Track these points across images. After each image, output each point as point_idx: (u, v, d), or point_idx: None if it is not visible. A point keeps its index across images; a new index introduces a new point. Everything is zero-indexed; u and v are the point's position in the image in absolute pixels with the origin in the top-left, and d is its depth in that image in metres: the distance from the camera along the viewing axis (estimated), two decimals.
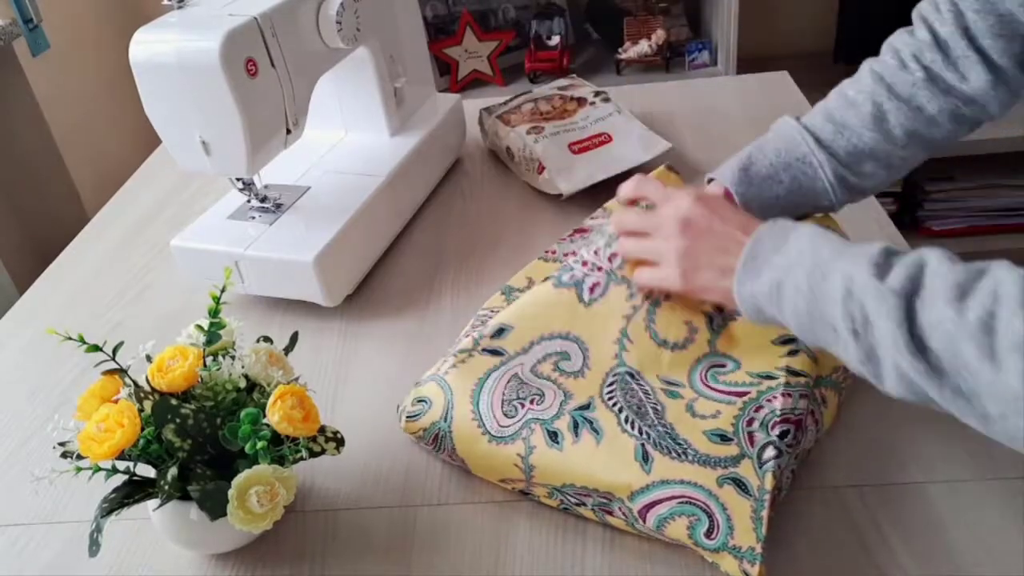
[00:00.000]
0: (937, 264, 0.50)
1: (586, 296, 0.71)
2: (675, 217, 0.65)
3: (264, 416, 0.59)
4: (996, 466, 0.64)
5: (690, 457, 0.61)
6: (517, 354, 0.70)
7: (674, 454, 0.62)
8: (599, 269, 0.71)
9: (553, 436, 0.64)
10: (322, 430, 0.62)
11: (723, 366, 0.68)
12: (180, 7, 0.82)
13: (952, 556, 0.58)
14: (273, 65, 0.81)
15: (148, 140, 1.06)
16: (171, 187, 1.22)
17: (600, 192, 1.02)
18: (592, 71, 1.90)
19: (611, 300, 0.70)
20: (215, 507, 0.57)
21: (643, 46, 1.84)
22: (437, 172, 1.11)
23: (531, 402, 0.66)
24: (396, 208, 1.00)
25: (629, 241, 0.69)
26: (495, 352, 0.70)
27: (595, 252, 0.72)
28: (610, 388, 0.67)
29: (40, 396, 0.85)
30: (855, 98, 0.73)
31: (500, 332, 0.71)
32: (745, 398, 0.65)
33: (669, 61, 1.85)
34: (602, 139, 1.07)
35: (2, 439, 0.80)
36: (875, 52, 0.77)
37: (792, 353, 0.67)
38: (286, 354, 0.67)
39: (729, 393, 0.66)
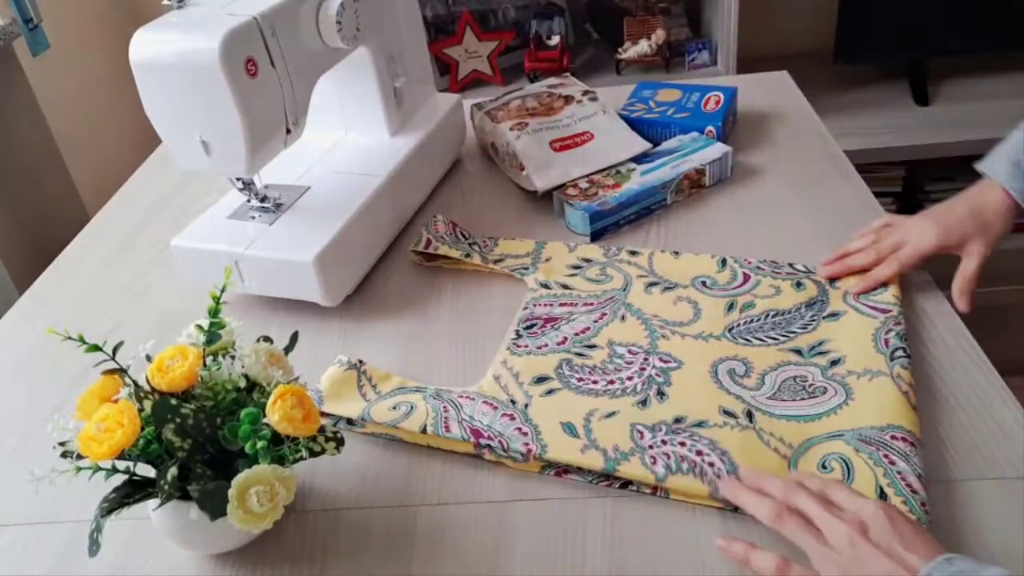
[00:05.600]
0: None
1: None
2: (852, 526, 0.55)
3: (264, 416, 0.59)
4: (996, 466, 0.64)
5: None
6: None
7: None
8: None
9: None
10: (322, 430, 0.62)
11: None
12: (180, 7, 0.82)
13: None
14: (273, 65, 0.81)
15: (148, 140, 1.06)
16: (171, 187, 1.22)
17: None
18: (592, 71, 1.90)
19: None
20: (215, 507, 0.57)
21: (643, 46, 1.84)
22: (437, 172, 1.12)
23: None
24: (396, 208, 1.00)
25: (789, 518, 0.58)
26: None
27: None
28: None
29: (40, 396, 0.85)
30: None
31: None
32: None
33: (669, 61, 1.85)
34: (584, 138, 1.08)
35: (2, 439, 0.80)
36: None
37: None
38: (286, 354, 0.67)
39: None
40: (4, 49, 1.45)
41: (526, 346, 0.80)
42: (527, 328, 0.82)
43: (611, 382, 0.74)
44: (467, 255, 0.93)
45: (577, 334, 0.81)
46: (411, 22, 1.09)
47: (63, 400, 0.83)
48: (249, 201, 0.93)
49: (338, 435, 0.63)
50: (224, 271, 0.67)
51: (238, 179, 0.90)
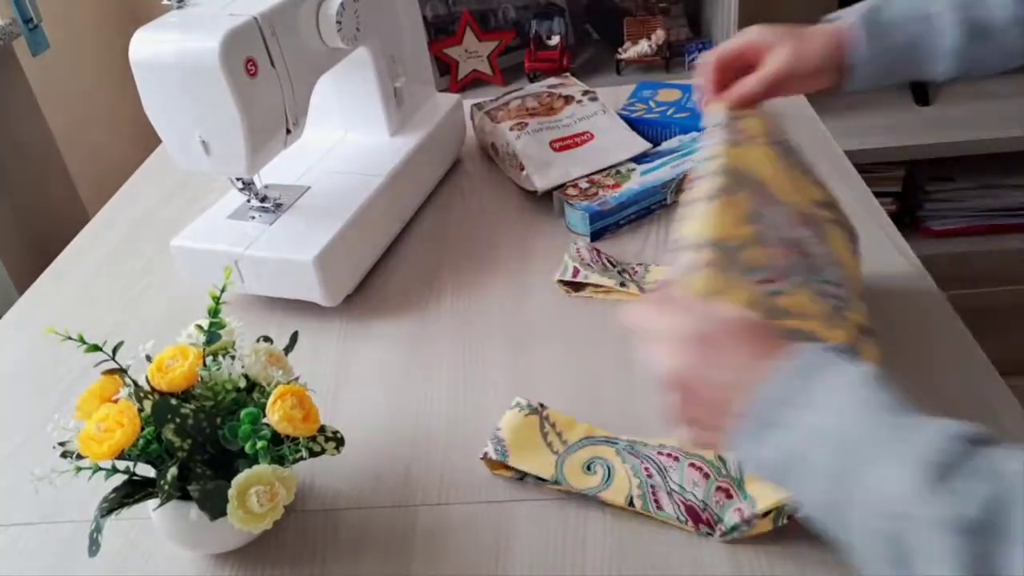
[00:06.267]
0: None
1: None
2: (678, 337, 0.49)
3: (264, 416, 0.59)
4: None
5: None
6: None
7: None
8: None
9: None
10: (322, 430, 0.62)
11: None
12: (180, 7, 0.82)
13: None
14: (273, 65, 0.81)
15: (148, 140, 1.06)
16: (171, 187, 1.22)
17: None
18: (592, 71, 1.90)
19: None
20: (215, 507, 0.57)
21: (643, 46, 1.84)
22: (437, 172, 1.12)
23: None
24: (396, 208, 1.00)
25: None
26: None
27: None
28: None
29: (40, 396, 0.85)
30: None
31: None
32: None
33: (669, 61, 1.85)
34: (584, 138, 1.08)
35: (2, 439, 0.80)
36: None
37: None
38: (286, 354, 0.67)
39: None
40: (4, 49, 1.45)
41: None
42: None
43: None
44: (622, 284, 0.87)
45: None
46: (411, 22, 1.09)
47: (63, 400, 0.83)
48: (249, 201, 0.93)
49: (338, 435, 0.63)
50: (224, 271, 0.67)
51: (238, 179, 0.90)
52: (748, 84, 0.71)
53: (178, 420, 0.58)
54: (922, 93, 1.82)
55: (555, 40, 1.86)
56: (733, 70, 0.73)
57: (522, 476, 0.68)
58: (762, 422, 0.44)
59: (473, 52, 1.86)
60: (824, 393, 0.43)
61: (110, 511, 0.58)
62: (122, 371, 0.62)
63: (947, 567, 0.36)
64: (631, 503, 0.63)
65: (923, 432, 0.39)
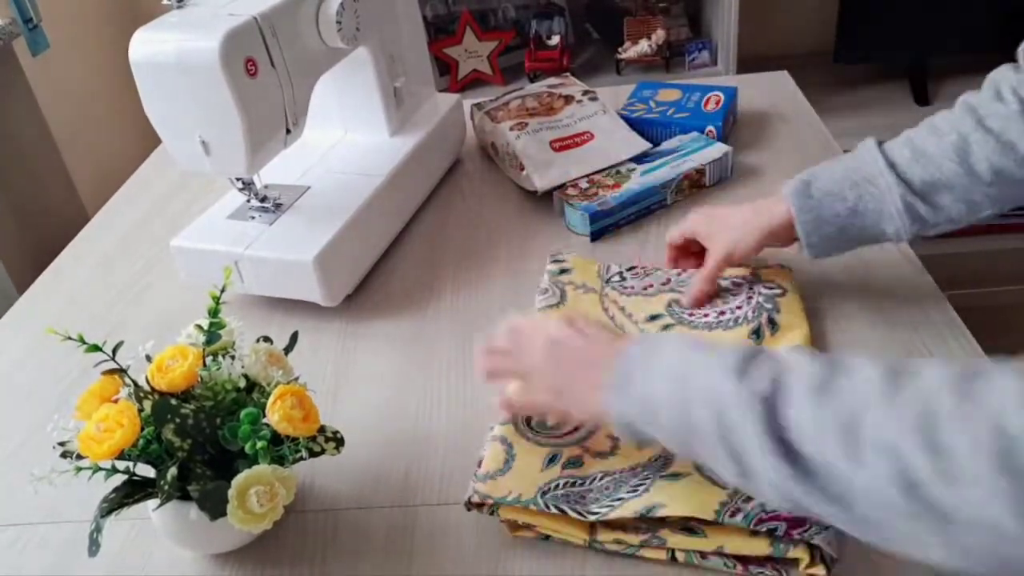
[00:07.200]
0: (796, 362, 0.48)
1: None
2: (543, 338, 0.61)
3: (264, 416, 0.59)
4: None
5: None
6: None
7: None
8: None
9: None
10: (322, 430, 0.62)
11: None
12: (180, 7, 0.82)
13: None
14: (273, 65, 0.81)
15: (148, 140, 1.06)
16: (171, 187, 1.22)
17: None
18: (592, 71, 1.90)
19: None
20: (215, 507, 0.57)
21: (643, 46, 1.84)
22: (437, 172, 1.12)
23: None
24: (396, 208, 1.00)
25: (494, 358, 0.65)
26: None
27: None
28: None
29: (40, 396, 0.85)
30: (941, 127, 0.70)
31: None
32: None
33: (669, 61, 1.85)
34: (584, 138, 1.08)
35: (2, 439, 0.80)
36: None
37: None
38: (286, 354, 0.67)
39: None
40: (4, 49, 1.45)
41: (632, 288, 0.83)
42: (629, 270, 0.86)
43: (722, 313, 0.77)
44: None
45: (679, 274, 0.84)
46: (411, 22, 1.09)
47: (63, 400, 0.83)
48: (249, 201, 0.93)
49: (338, 435, 0.63)
50: (224, 271, 0.67)
51: (238, 179, 0.90)
52: (695, 284, 0.80)
53: (178, 420, 0.58)
54: (922, 93, 1.82)
55: (555, 40, 1.86)
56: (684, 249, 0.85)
57: (547, 537, 0.63)
58: (622, 383, 0.55)
59: (473, 52, 1.86)
60: (666, 353, 0.54)
61: (110, 511, 0.58)
62: (122, 371, 0.62)
63: (755, 433, 0.46)
64: (673, 556, 0.59)
65: (724, 352, 0.51)
